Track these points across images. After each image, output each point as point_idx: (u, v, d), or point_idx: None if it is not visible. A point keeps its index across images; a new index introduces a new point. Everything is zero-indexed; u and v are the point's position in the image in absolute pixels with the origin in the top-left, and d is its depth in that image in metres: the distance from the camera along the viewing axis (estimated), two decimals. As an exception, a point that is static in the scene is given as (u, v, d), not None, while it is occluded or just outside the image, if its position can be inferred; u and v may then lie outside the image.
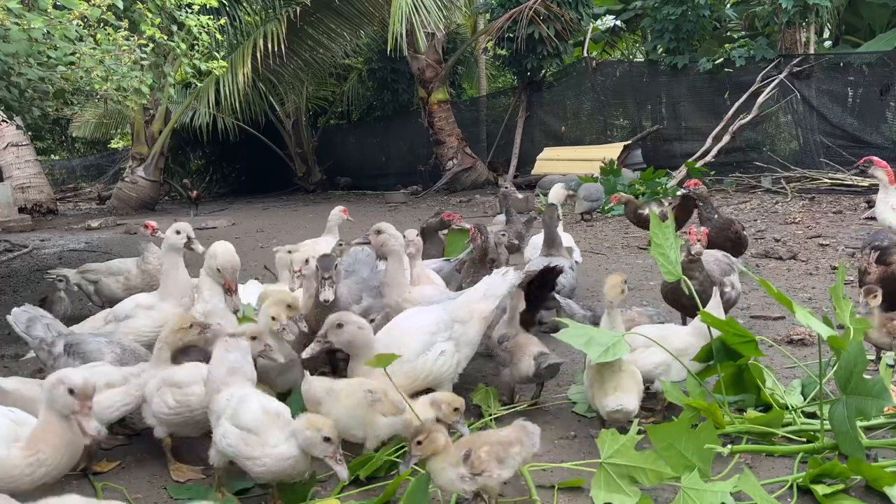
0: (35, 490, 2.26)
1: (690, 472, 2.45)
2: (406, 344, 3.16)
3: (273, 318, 3.21)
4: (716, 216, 5.71)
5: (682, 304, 4.03)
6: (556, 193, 6.72)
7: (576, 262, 5.01)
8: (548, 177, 13.33)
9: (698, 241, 3.98)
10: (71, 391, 2.31)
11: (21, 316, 3.42)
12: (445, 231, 5.66)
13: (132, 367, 3.14)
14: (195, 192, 16.80)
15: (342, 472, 2.41)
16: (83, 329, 3.90)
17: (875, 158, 5.95)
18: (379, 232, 3.88)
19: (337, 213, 6.15)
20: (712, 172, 12.47)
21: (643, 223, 6.78)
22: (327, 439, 2.39)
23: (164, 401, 2.88)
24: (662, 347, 3.09)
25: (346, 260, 4.26)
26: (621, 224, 9.59)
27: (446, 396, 2.80)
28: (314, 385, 2.93)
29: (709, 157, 12.87)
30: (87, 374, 2.46)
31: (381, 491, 2.64)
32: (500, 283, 3.39)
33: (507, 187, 6.74)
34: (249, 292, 4.43)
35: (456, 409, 2.71)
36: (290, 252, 4.50)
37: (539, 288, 3.69)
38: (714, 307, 3.26)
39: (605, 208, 10.49)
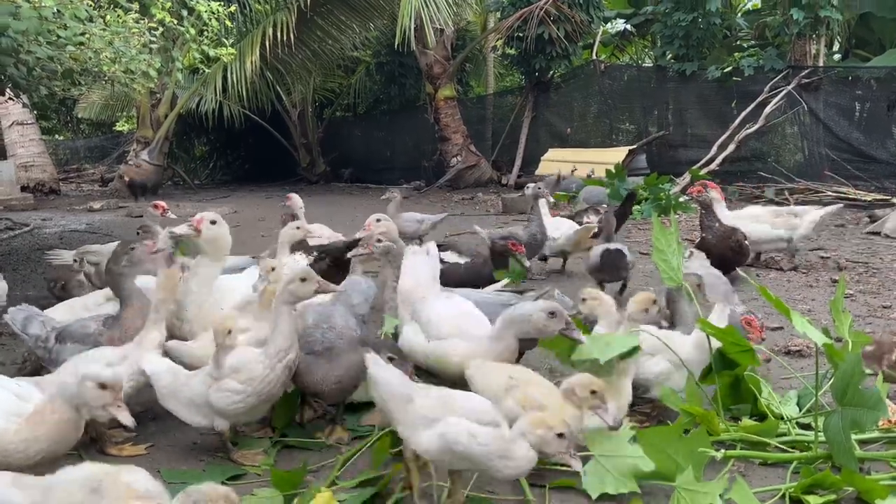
0: (33, 468, 2.26)
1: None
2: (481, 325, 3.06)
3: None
4: (717, 224, 5.71)
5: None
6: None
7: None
8: (551, 177, 13.30)
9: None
10: (103, 386, 2.36)
11: (18, 315, 3.40)
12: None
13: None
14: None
15: (577, 465, 2.28)
16: (67, 311, 3.87)
17: (710, 183, 6.50)
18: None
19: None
20: (716, 181, 12.40)
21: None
22: (561, 435, 2.25)
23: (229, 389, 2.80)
24: (666, 355, 3.07)
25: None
26: (623, 227, 9.54)
27: (583, 379, 2.55)
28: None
29: (713, 165, 12.84)
30: (111, 370, 2.55)
31: (376, 482, 2.64)
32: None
33: (540, 187, 6.44)
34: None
35: (594, 392, 2.52)
36: (297, 228, 4.46)
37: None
38: (717, 318, 3.23)
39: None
